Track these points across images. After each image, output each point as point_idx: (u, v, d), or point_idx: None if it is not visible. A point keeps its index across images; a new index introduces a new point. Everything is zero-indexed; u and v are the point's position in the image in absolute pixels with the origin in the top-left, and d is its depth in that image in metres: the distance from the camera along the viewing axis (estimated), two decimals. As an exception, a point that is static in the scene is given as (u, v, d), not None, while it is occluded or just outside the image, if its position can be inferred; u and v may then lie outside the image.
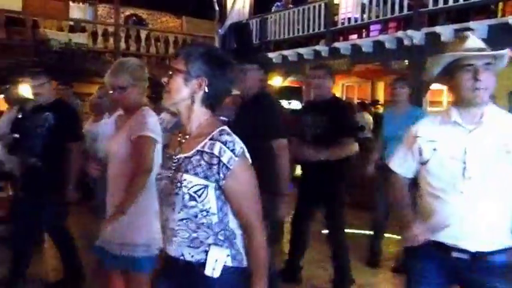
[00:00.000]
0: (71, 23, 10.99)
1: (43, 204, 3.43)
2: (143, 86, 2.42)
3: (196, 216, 1.54)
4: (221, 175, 1.50)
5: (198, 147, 1.54)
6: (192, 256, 1.57)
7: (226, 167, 1.49)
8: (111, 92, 2.38)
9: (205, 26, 12.90)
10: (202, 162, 1.52)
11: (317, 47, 8.90)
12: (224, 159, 1.49)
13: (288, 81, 10.29)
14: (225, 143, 1.51)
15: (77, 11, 12.89)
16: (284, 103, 11.30)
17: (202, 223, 1.54)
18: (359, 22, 8.38)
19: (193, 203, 1.52)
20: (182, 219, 1.56)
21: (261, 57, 3.36)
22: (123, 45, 11.41)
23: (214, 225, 1.55)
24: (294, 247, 3.79)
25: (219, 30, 11.23)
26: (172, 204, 1.56)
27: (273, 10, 10.38)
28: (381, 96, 10.33)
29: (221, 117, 5.61)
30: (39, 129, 3.50)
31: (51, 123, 3.48)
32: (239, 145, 1.53)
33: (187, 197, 1.52)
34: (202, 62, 1.56)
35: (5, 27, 9.85)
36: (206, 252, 1.55)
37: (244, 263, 1.59)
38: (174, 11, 14.02)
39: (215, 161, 1.50)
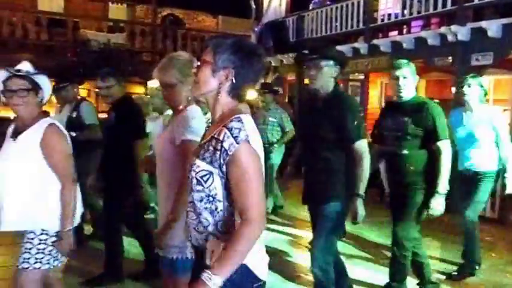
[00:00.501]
0: (110, 23, 11.22)
1: (118, 201, 3.56)
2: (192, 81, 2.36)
3: (201, 200, 1.59)
4: (221, 160, 1.52)
5: (213, 134, 1.58)
6: (197, 240, 1.65)
7: (227, 153, 1.50)
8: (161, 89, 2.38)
9: (241, 24, 12.89)
10: (210, 147, 1.56)
11: (356, 44, 8.67)
12: (225, 145, 1.50)
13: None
14: (230, 129, 1.51)
15: (115, 12, 13.15)
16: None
17: (206, 208, 1.58)
18: (400, 18, 8.09)
19: (200, 187, 1.58)
20: (191, 202, 1.64)
21: (336, 52, 3.15)
22: (160, 44, 11.54)
23: (216, 213, 1.58)
24: None
25: (255, 29, 11.18)
26: (190, 188, 1.64)
27: (310, 7, 10.22)
28: (421, 94, 9.96)
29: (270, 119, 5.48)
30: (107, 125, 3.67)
31: (113, 121, 3.56)
32: (244, 132, 1.51)
33: (195, 181, 1.59)
34: (230, 53, 1.59)
35: (47, 28, 10.15)
36: (206, 241, 1.59)
37: (245, 261, 1.54)
38: (210, 10, 14.07)
39: (219, 146, 1.52)
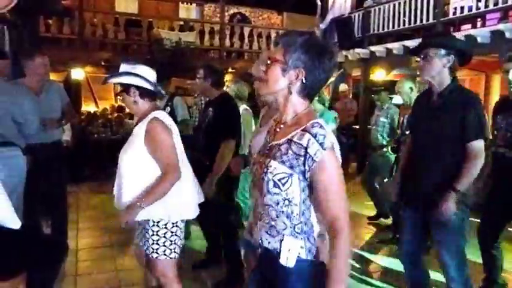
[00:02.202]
0: (181, 22, 11.72)
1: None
2: None
3: (278, 204, 1.56)
4: (306, 167, 1.50)
5: (289, 136, 1.56)
6: (269, 243, 1.61)
7: (312, 159, 1.49)
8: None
9: (305, 21, 12.92)
10: (290, 151, 1.53)
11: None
12: (311, 151, 1.49)
13: (393, 75, 9.94)
14: (315, 136, 1.50)
15: (185, 11, 13.70)
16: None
17: (282, 211, 1.56)
18: (474, 11, 7.79)
19: (276, 190, 1.55)
20: (266, 205, 1.59)
21: (455, 40, 2.74)
22: (227, 42, 11.89)
23: (294, 216, 1.56)
24: None
25: (320, 25, 11.19)
26: (261, 189, 1.60)
27: (376, 2, 10.07)
28: (495, 90, 9.52)
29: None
30: (203, 125, 3.64)
31: (211, 119, 3.55)
32: (329, 139, 1.51)
33: (271, 183, 1.55)
34: (301, 53, 1.54)
35: (124, 28, 10.82)
36: (281, 241, 1.57)
37: (321, 258, 1.57)
38: (275, 8, 14.24)
39: (302, 152, 1.50)
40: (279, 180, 1.54)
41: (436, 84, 2.62)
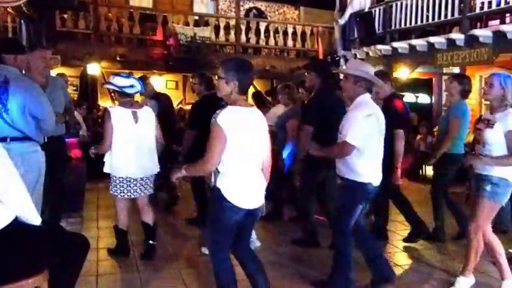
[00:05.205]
0: (196, 17, 11.52)
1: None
2: None
3: None
4: None
5: None
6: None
7: None
8: None
9: (323, 16, 12.66)
10: None
11: (451, 35, 8.16)
12: None
13: (417, 73, 9.64)
14: None
15: (200, 6, 13.49)
16: (411, 96, 10.70)
17: None
18: (502, 6, 7.49)
19: None
20: None
21: None
22: (243, 37, 11.68)
23: None
24: None
25: (339, 21, 10.93)
26: None
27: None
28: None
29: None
30: None
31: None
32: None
33: None
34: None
35: (139, 23, 10.66)
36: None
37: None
38: (291, 2, 13.96)
39: None
40: None
41: None
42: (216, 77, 2.60)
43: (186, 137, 4.74)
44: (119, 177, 3.74)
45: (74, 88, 10.73)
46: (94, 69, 10.07)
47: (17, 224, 2.04)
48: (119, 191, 3.76)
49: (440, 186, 4.52)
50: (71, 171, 4.83)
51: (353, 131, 3.00)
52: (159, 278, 3.57)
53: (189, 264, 3.89)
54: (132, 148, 3.71)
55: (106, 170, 3.78)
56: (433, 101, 10.44)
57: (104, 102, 10.61)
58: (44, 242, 2.14)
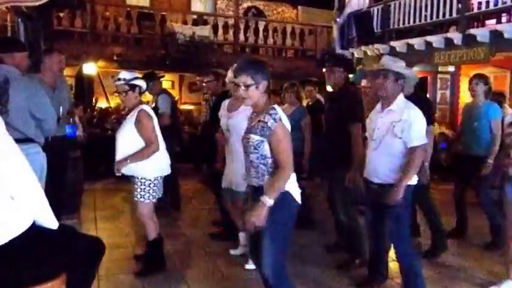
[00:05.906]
0: (195, 16, 11.49)
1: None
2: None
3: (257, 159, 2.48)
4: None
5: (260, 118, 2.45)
6: (257, 183, 2.51)
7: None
8: None
9: (321, 15, 12.66)
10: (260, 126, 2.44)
11: (449, 35, 8.18)
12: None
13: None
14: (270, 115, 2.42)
15: (198, 5, 13.46)
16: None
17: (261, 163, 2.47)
18: (499, 6, 7.51)
19: (255, 151, 2.45)
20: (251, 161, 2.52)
21: None
22: (242, 37, 11.66)
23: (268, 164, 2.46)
24: None
25: (338, 20, 10.92)
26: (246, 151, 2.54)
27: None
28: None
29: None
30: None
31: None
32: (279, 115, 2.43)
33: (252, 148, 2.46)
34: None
35: (137, 22, 10.61)
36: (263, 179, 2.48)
37: (286, 189, 2.44)
38: (290, 1, 13.95)
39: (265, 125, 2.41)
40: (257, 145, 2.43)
41: None
42: (243, 87, 2.38)
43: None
44: (155, 178, 3.47)
45: (69, 88, 10.65)
46: (90, 68, 10.02)
47: (35, 228, 2.01)
48: (152, 195, 3.47)
49: (488, 191, 4.40)
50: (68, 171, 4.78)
51: (421, 132, 3.01)
52: (162, 279, 3.52)
53: (192, 265, 3.87)
54: (162, 145, 3.57)
55: (150, 174, 3.43)
56: (428, 100, 10.41)
57: (100, 102, 10.56)
58: (61, 246, 2.11)
